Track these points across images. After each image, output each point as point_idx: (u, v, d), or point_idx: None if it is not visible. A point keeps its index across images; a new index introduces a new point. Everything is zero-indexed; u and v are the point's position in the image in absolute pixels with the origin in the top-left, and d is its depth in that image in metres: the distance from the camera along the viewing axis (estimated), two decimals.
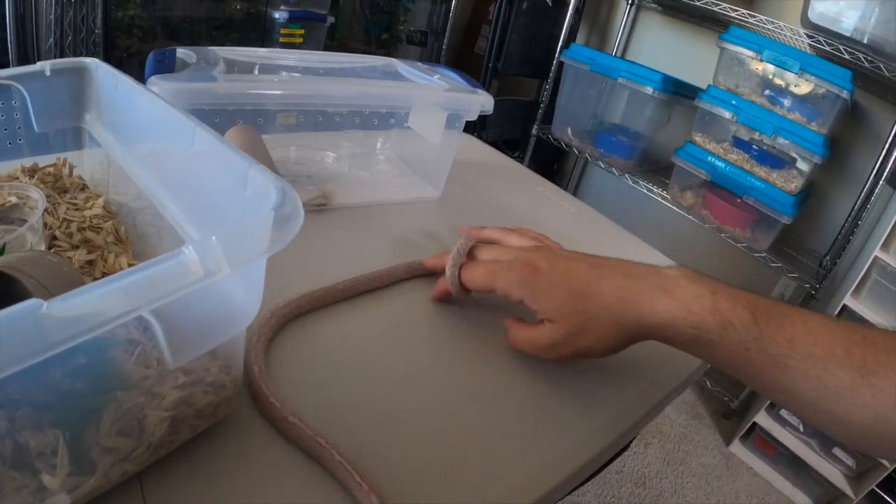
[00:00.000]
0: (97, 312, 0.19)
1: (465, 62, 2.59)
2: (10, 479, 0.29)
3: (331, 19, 1.91)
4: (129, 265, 0.47)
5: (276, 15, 1.78)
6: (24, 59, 1.48)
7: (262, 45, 1.82)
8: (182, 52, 0.58)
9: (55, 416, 0.30)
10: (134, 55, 1.60)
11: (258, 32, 1.82)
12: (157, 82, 0.49)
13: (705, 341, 0.42)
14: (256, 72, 0.63)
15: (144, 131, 0.46)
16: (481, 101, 0.66)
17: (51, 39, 1.44)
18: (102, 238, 0.49)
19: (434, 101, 0.65)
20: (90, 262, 0.48)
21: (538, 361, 0.51)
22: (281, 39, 1.81)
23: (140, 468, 0.31)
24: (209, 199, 0.35)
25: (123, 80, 0.50)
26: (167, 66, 0.52)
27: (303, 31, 1.84)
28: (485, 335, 0.53)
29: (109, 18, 1.50)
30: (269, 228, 0.24)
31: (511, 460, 0.40)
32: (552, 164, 2.55)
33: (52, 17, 1.42)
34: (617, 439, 0.46)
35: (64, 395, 0.30)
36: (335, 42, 2.11)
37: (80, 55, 1.49)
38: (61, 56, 1.46)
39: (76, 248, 0.49)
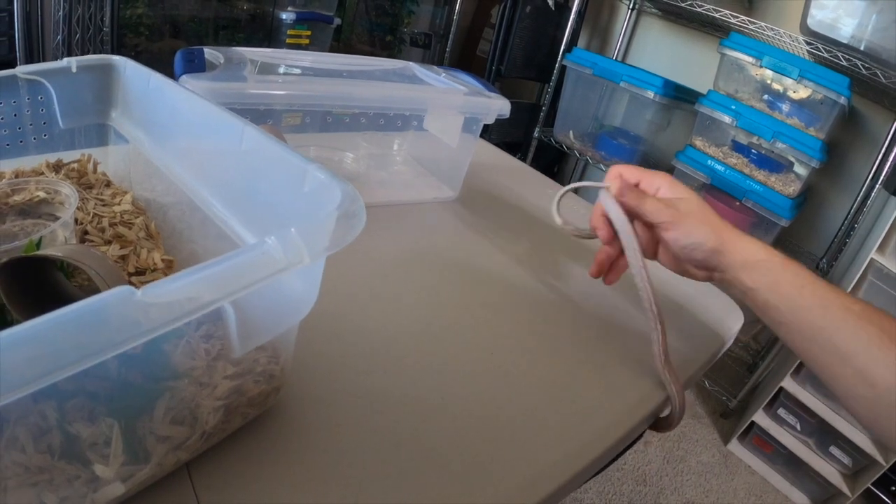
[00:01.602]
0: (190, 299, 0.20)
1: (468, 65, 2.61)
2: (60, 471, 0.29)
3: (337, 21, 1.91)
4: (163, 260, 0.48)
5: (284, 16, 1.78)
6: (31, 57, 1.48)
7: (268, 46, 1.83)
8: (208, 52, 0.59)
9: (110, 406, 0.30)
10: (141, 53, 1.60)
11: (265, 33, 1.82)
12: (189, 81, 0.50)
13: (770, 269, 0.48)
14: (279, 72, 0.64)
15: (180, 128, 0.47)
16: (499, 106, 0.68)
17: (59, 37, 1.44)
18: (134, 233, 0.50)
19: (453, 105, 0.66)
20: (123, 257, 0.48)
21: (558, 349, 0.52)
22: (287, 40, 1.81)
23: (193, 456, 0.32)
24: (259, 195, 0.36)
25: (156, 78, 0.50)
26: (197, 66, 0.53)
27: (309, 33, 1.85)
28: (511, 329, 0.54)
29: (118, 16, 1.50)
30: (333, 224, 0.25)
31: (537, 445, 0.41)
32: (553, 166, 2.56)
33: (61, 14, 1.42)
34: (636, 425, 0.47)
35: (119, 386, 0.30)
36: (340, 43, 2.12)
37: (88, 53, 1.50)
38: (69, 54, 1.46)
39: (109, 243, 0.49)
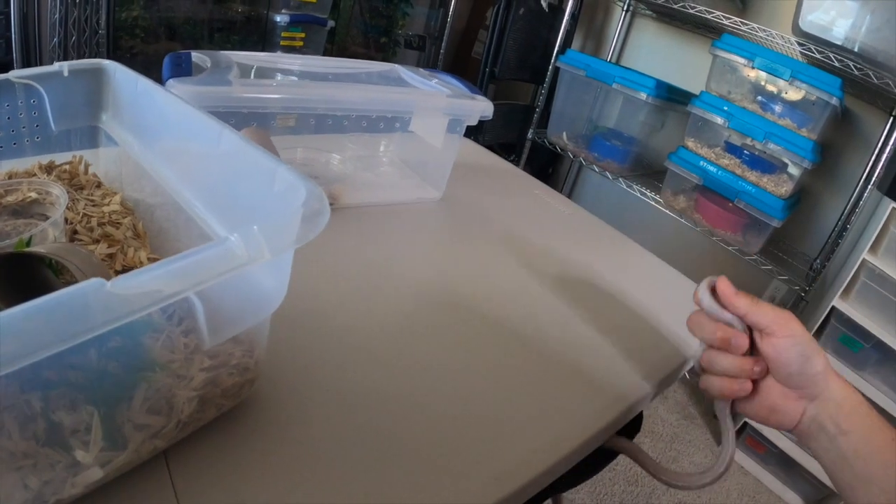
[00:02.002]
0: (154, 290, 0.22)
1: (462, 66, 2.62)
2: (44, 456, 0.31)
3: (331, 23, 1.93)
4: (149, 259, 0.49)
5: (278, 18, 1.80)
6: (27, 59, 1.50)
7: (262, 48, 1.85)
8: (196, 56, 0.61)
9: (90, 395, 0.32)
10: (137, 56, 1.62)
11: (259, 35, 1.84)
12: (176, 85, 0.51)
13: (867, 414, 0.44)
14: (266, 76, 0.66)
15: (166, 131, 0.49)
16: (482, 108, 0.69)
17: (55, 39, 1.46)
18: (122, 233, 0.52)
19: (436, 107, 0.67)
20: (110, 256, 0.50)
21: (540, 344, 0.53)
22: (282, 42, 1.83)
23: (168, 444, 0.33)
24: (236, 196, 0.38)
25: (144, 82, 0.52)
26: (185, 70, 0.55)
27: (303, 35, 1.87)
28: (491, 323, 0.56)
29: (113, 19, 1.51)
30: (298, 222, 0.27)
31: (512, 439, 0.42)
32: (547, 167, 2.58)
33: (57, 17, 1.44)
34: (616, 418, 0.49)
35: (99, 375, 0.32)
36: (334, 46, 2.13)
37: (84, 56, 1.51)
38: (65, 56, 1.48)
39: (97, 241, 0.51)
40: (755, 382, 0.48)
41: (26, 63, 1.48)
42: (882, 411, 1.44)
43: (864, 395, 0.47)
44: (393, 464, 0.38)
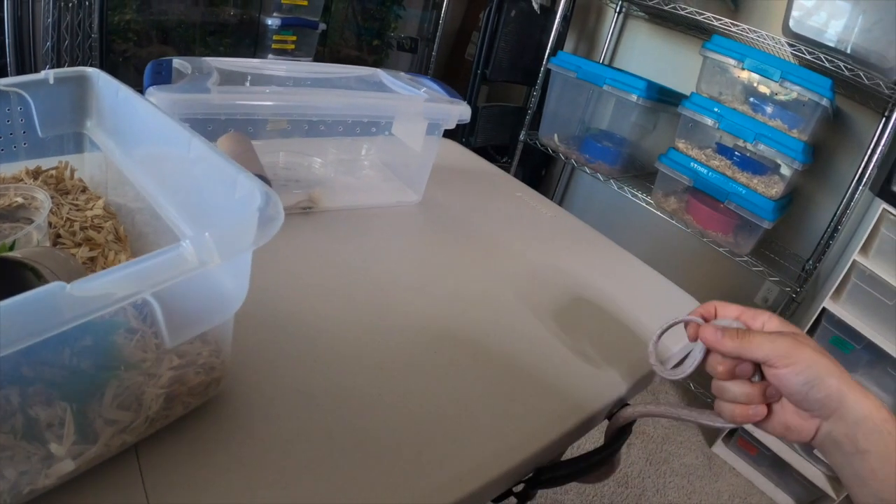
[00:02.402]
0: (109, 293, 0.23)
1: (455, 69, 2.64)
2: (20, 449, 0.33)
3: (322, 26, 1.95)
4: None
5: (269, 21, 1.81)
6: (22, 63, 1.51)
7: (255, 51, 1.86)
8: (178, 63, 0.62)
9: (64, 391, 0.33)
10: (129, 59, 1.63)
11: (251, 38, 1.85)
12: (155, 93, 0.53)
13: (890, 433, 0.41)
14: (248, 82, 0.67)
15: (143, 138, 0.50)
16: (459, 111, 0.71)
17: (48, 43, 1.47)
18: (103, 237, 0.53)
19: (415, 111, 0.69)
20: (92, 259, 0.51)
21: (501, 350, 0.55)
22: (273, 45, 1.84)
23: (137, 439, 0.35)
24: (203, 201, 0.39)
25: (124, 90, 0.53)
26: (164, 77, 0.56)
27: (295, 38, 1.88)
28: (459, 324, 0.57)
29: (106, 23, 1.53)
30: (254, 227, 0.28)
31: (476, 439, 0.43)
32: (540, 169, 2.59)
33: (50, 21, 1.46)
34: (575, 428, 0.50)
35: (72, 372, 0.33)
36: (326, 48, 2.15)
37: (77, 59, 1.53)
38: (58, 60, 1.50)
39: (79, 245, 0.52)
40: (769, 404, 0.47)
41: (20, 66, 1.50)
42: None
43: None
44: (354, 462, 0.39)
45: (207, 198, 0.38)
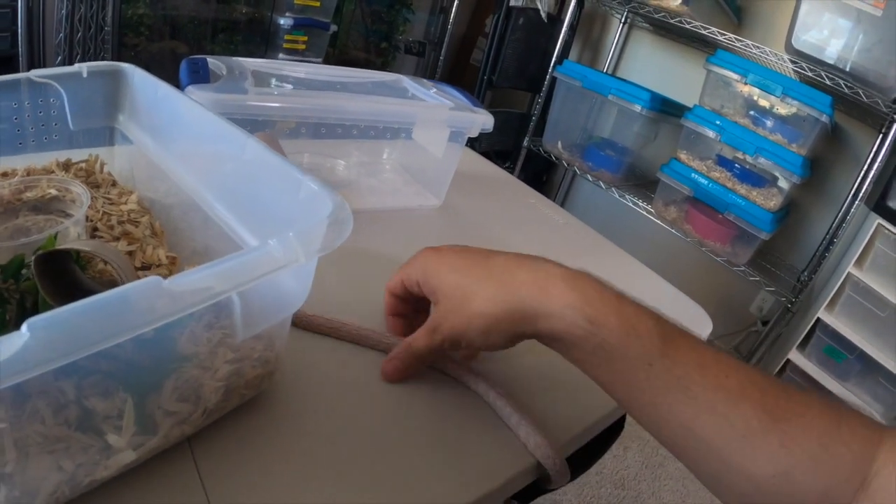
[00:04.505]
0: (205, 288, 0.24)
1: (461, 73, 2.66)
2: (76, 441, 0.33)
3: (334, 27, 1.96)
4: (167, 257, 0.52)
5: (281, 21, 1.82)
6: (32, 54, 1.51)
7: (265, 50, 1.87)
8: (211, 62, 0.63)
9: (124, 383, 0.34)
10: (141, 53, 1.64)
11: (262, 37, 1.86)
12: (195, 91, 0.54)
13: (601, 345, 0.36)
14: (273, 84, 0.69)
15: (187, 136, 0.51)
16: (482, 120, 0.72)
17: (61, 35, 1.47)
18: (141, 231, 0.54)
19: (439, 119, 0.70)
20: (130, 253, 0.52)
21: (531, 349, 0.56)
22: (284, 45, 1.85)
23: (195, 430, 0.36)
24: (259, 201, 0.40)
25: (164, 87, 0.54)
26: (202, 76, 0.57)
27: (306, 38, 1.89)
28: None
29: (120, 16, 1.54)
30: (325, 230, 0.30)
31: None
32: (541, 175, 2.61)
33: (63, 12, 1.46)
34: (602, 419, 0.51)
35: (132, 366, 0.34)
36: (336, 50, 2.16)
37: (89, 52, 1.53)
38: (70, 52, 1.50)
39: (117, 239, 0.53)
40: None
41: (31, 57, 1.50)
42: None
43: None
44: (396, 454, 0.40)
45: (264, 198, 0.40)
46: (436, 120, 0.70)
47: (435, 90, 0.77)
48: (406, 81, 0.79)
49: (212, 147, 0.47)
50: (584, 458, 0.57)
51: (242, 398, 0.37)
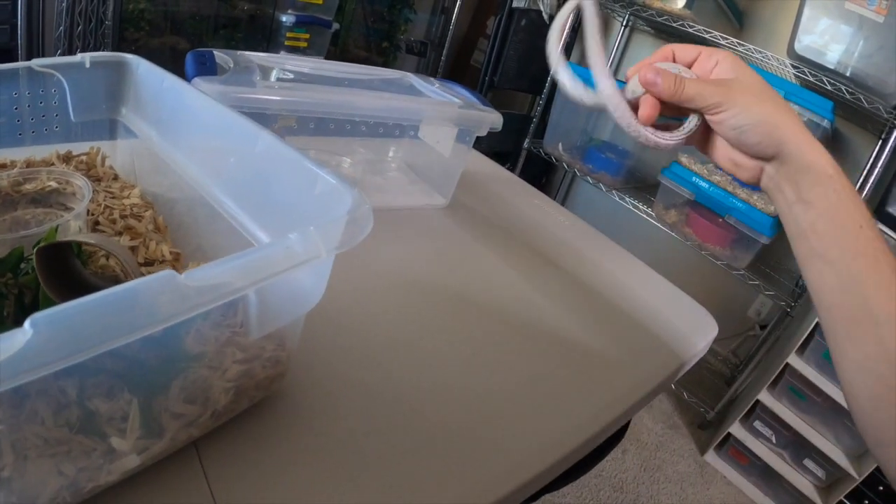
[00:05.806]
0: (223, 283, 0.23)
1: (462, 74, 2.64)
2: (77, 444, 0.32)
3: (336, 26, 1.94)
4: (171, 252, 0.50)
5: (283, 18, 1.80)
6: (31, 46, 1.49)
7: (267, 47, 1.85)
8: (218, 55, 0.62)
9: (129, 384, 0.33)
10: (141, 48, 1.62)
11: (264, 34, 1.84)
12: (202, 84, 0.53)
13: (836, 191, 0.41)
14: (276, 78, 0.67)
15: (194, 128, 0.50)
16: (492, 119, 0.71)
17: (61, 28, 1.45)
18: (144, 226, 0.53)
19: (448, 117, 0.69)
20: (133, 249, 0.51)
21: (540, 347, 0.55)
22: (286, 42, 1.83)
23: (203, 433, 0.34)
24: (272, 196, 0.39)
25: (170, 79, 0.53)
26: (209, 69, 0.56)
27: (307, 36, 1.87)
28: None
29: (121, 10, 1.52)
30: (343, 227, 0.28)
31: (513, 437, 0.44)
32: (541, 177, 2.60)
33: (64, 5, 1.44)
34: (613, 421, 0.51)
35: (138, 365, 0.33)
36: (337, 48, 2.14)
37: (89, 45, 1.51)
38: (70, 45, 1.48)
39: (119, 234, 0.52)
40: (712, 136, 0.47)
41: (30, 50, 1.48)
42: None
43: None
44: (409, 455, 0.39)
45: (277, 192, 0.38)
46: (445, 117, 0.69)
47: (442, 88, 0.76)
48: (412, 78, 0.78)
49: (220, 140, 0.45)
50: (584, 459, 0.56)
51: (252, 400, 0.36)
